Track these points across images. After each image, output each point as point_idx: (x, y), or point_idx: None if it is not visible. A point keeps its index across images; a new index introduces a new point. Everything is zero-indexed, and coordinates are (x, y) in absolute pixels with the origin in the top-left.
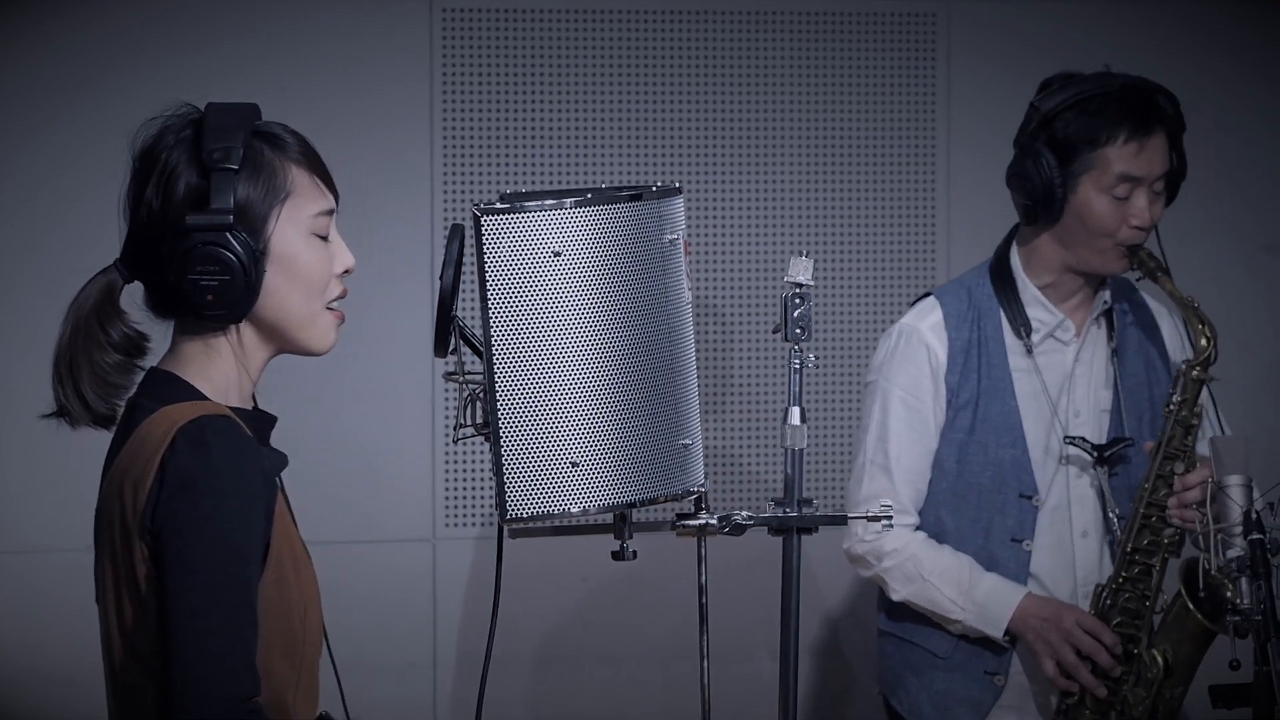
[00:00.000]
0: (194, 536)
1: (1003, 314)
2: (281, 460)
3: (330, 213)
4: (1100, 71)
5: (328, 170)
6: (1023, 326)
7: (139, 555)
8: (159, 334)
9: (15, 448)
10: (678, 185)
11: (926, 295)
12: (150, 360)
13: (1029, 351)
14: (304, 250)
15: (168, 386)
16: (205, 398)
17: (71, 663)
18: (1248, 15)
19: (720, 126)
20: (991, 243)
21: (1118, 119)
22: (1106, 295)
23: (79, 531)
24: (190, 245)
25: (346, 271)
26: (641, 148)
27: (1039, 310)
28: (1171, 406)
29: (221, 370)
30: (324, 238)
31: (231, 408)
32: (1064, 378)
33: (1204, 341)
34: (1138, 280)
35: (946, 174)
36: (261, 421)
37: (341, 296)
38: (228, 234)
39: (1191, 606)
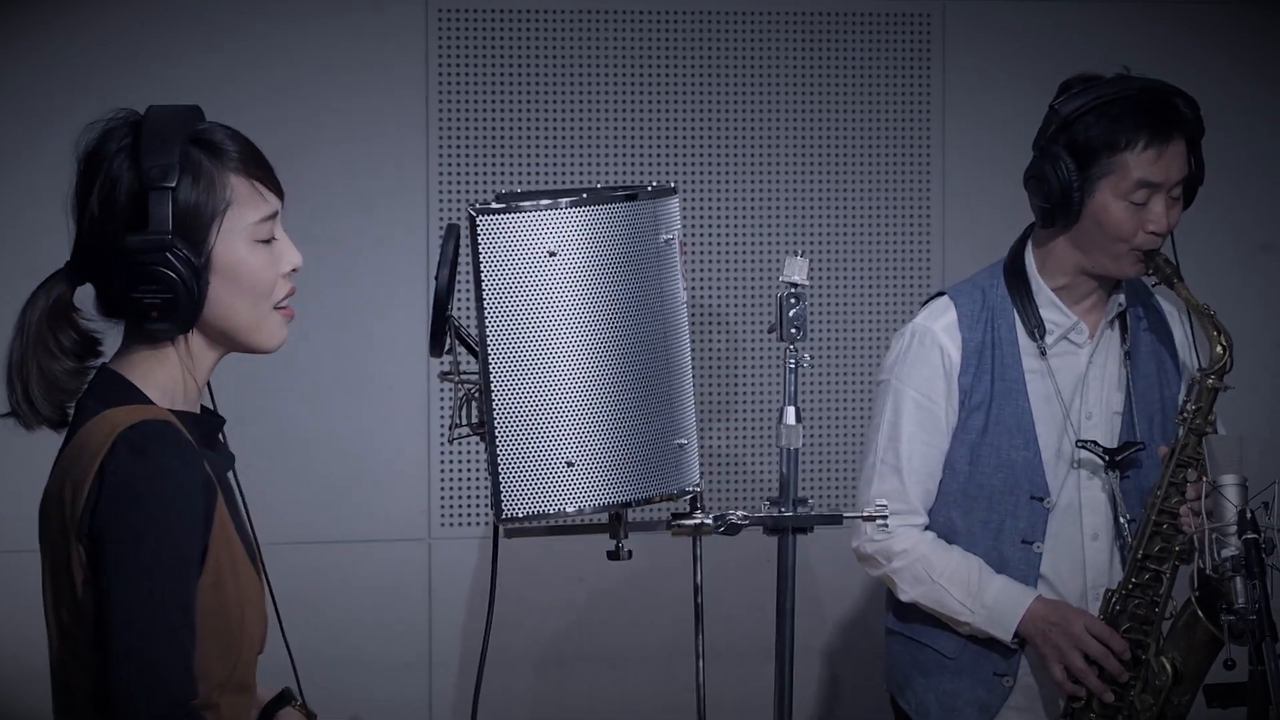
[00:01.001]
0: (131, 543)
1: (1017, 315)
2: (228, 459)
3: (273, 216)
4: (1119, 74)
5: (272, 171)
6: (1036, 328)
7: (76, 558)
8: (111, 333)
9: (12, 446)
10: (673, 185)
11: (940, 295)
12: (105, 355)
13: (1042, 354)
14: (248, 257)
15: (113, 388)
16: (149, 401)
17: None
18: (1244, 15)
19: (715, 127)
20: (986, 242)
21: (1137, 125)
22: (1121, 298)
23: None
24: (131, 264)
25: (294, 270)
26: (637, 148)
27: (1053, 312)
28: (1185, 414)
29: (169, 373)
30: (269, 240)
31: (176, 411)
32: (1077, 380)
33: (1219, 349)
34: (1154, 286)
35: (941, 173)
36: (208, 423)
37: (290, 295)
38: (167, 253)
39: (1201, 614)
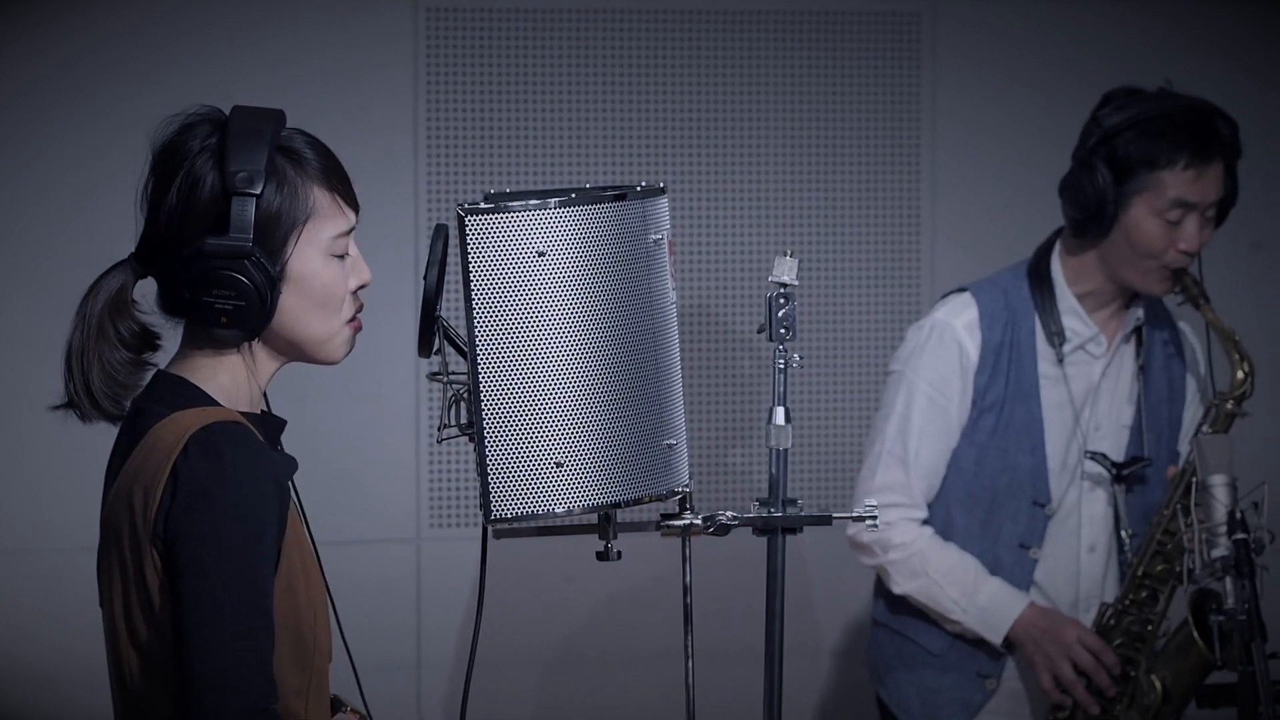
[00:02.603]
0: (208, 546)
1: (1037, 320)
2: (291, 464)
3: (350, 231)
4: (1162, 89)
5: (349, 183)
6: (1056, 335)
7: (150, 563)
8: (169, 330)
9: (14, 447)
10: (662, 185)
11: (962, 290)
12: (161, 357)
13: (1059, 361)
14: (322, 271)
15: (177, 391)
16: (216, 403)
17: (72, 662)
18: (1233, 12)
19: (705, 126)
20: (976, 241)
21: (1178, 145)
22: (1140, 313)
23: (79, 531)
24: (207, 268)
25: (363, 286)
26: (626, 147)
27: (1074, 320)
28: (1199, 437)
29: (231, 376)
30: (343, 255)
31: (241, 413)
32: (1088, 390)
33: (1240, 375)
34: (1179, 305)
35: (931, 173)
36: (270, 425)
37: (358, 310)
38: (245, 260)
39: (1197, 637)
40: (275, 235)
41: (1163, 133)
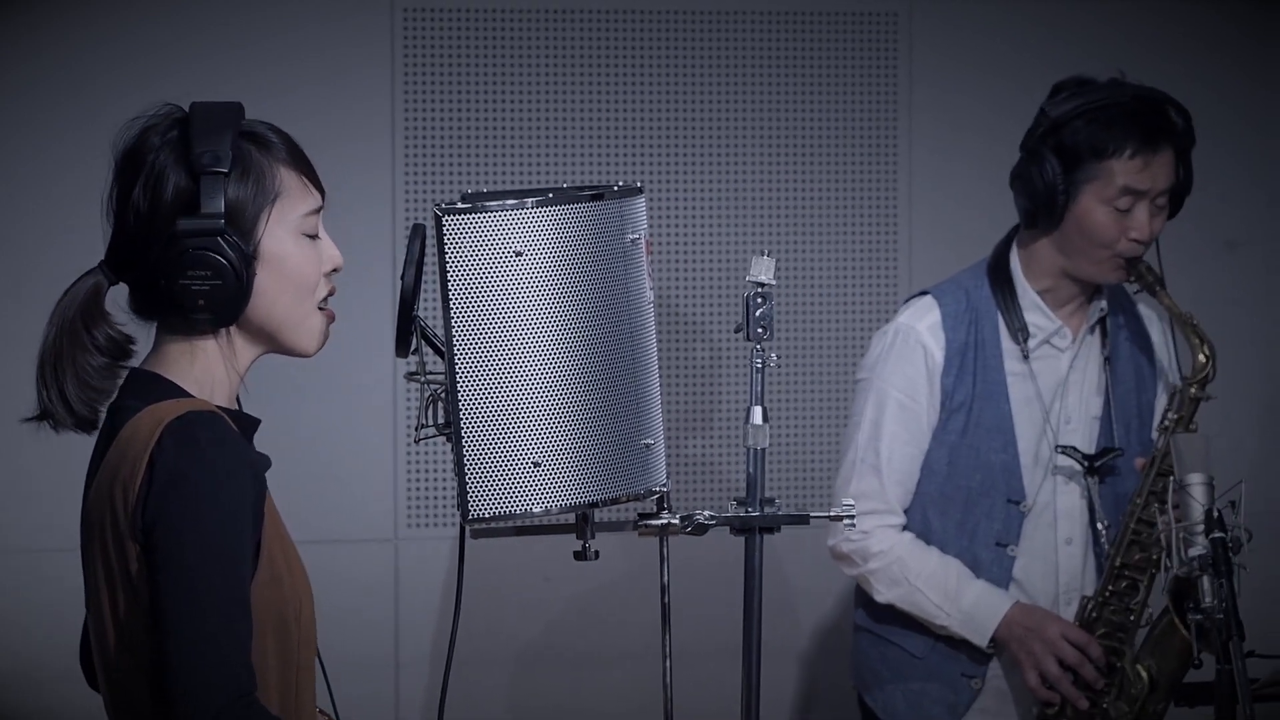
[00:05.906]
0: (185, 534)
1: (1000, 317)
2: (265, 462)
3: (318, 211)
4: (1112, 79)
5: (314, 168)
6: (1020, 331)
7: (132, 556)
8: (142, 336)
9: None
10: (639, 185)
11: (923, 294)
12: (134, 362)
13: (1025, 357)
14: (294, 251)
15: (152, 386)
16: (191, 396)
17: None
18: (1210, 10)
19: (682, 126)
20: (954, 240)
21: (1126, 133)
22: (1103, 303)
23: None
24: (181, 250)
25: (335, 270)
26: (603, 147)
27: (1037, 316)
28: (1166, 423)
29: (207, 369)
30: (313, 237)
31: (217, 406)
32: (1057, 384)
33: (1201, 358)
34: (1135, 293)
35: (908, 172)
36: (244, 423)
37: (331, 294)
38: (219, 238)
39: (1179, 623)
40: (246, 216)
41: (1109, 121)
